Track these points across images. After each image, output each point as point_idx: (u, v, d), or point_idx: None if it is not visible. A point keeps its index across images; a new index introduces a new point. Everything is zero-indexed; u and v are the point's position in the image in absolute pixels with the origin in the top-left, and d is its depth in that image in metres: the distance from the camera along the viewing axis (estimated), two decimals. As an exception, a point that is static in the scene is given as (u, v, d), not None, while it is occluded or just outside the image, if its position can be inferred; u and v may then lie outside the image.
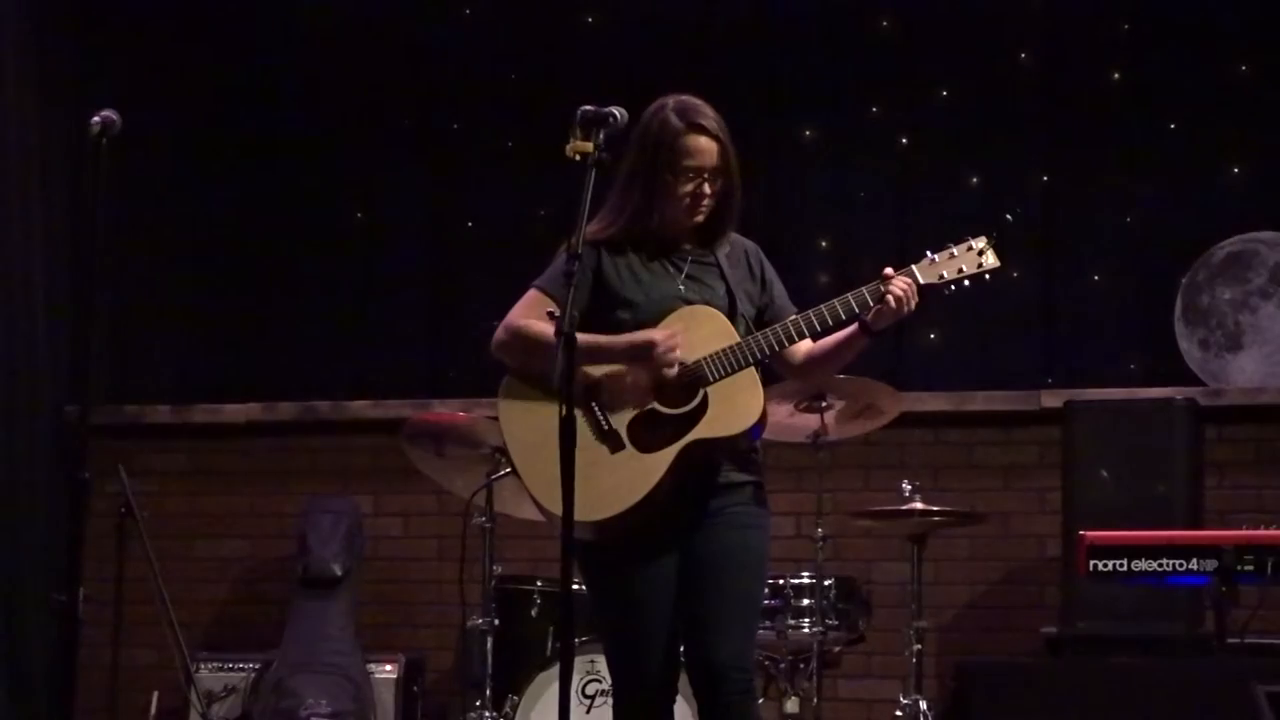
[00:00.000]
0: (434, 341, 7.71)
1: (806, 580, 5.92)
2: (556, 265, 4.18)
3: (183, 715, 6.98)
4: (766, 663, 5.99)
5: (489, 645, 5.82)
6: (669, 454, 4.10)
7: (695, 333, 4.17)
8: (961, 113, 7.34)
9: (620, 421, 4.13)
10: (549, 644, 5.95)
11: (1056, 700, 5.10)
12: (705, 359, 4.14)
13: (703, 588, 4.13)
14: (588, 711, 5.69)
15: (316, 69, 7.80)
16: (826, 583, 5.91)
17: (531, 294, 4.24)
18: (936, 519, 6.01)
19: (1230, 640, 5.35)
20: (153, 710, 7.20)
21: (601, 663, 5.31)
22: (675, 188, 4.18)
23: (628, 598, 4.15)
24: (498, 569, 5.95)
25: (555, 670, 5.46)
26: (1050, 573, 6.76)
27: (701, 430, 4.12)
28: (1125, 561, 5.28)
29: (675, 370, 4.11)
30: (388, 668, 7.01)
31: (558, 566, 3.84)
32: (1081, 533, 5.43)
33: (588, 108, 3.97)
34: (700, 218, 4.23)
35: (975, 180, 7.35)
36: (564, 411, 3.78)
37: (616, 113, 3.99)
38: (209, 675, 6.99)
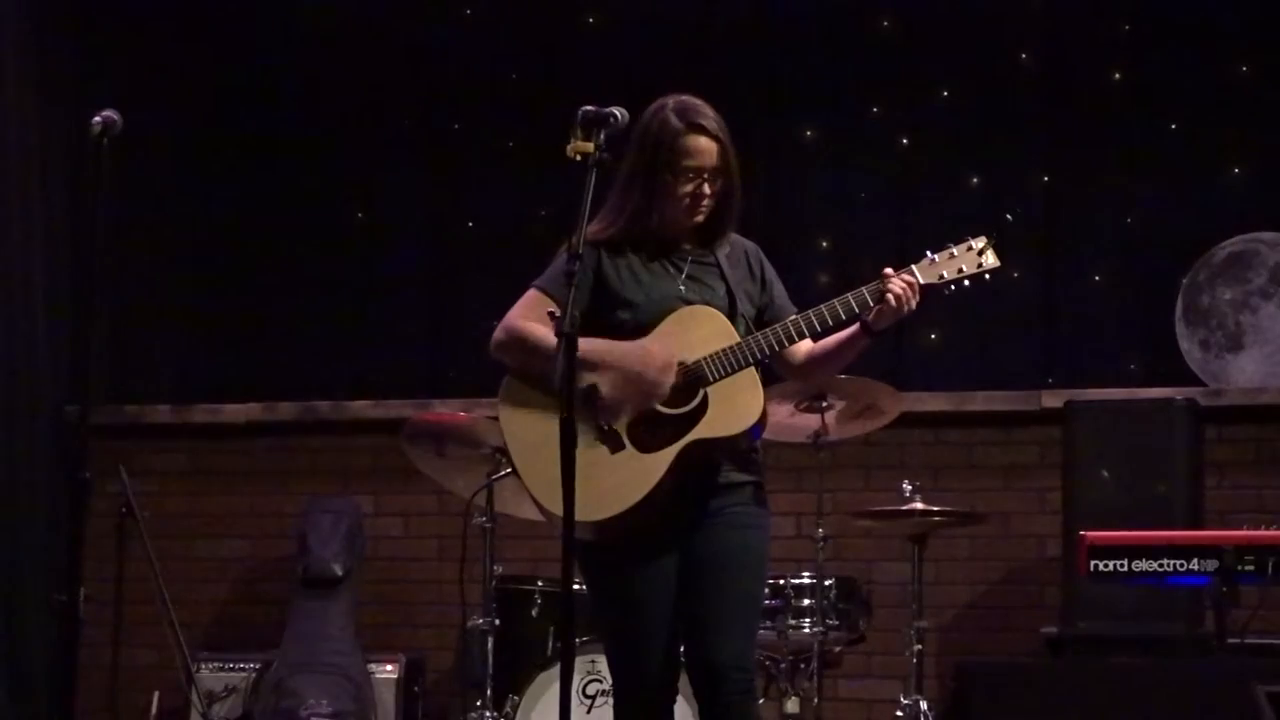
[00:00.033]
0: (434, 341, 7.71)
1: (807, 580, 5.92)
2: (556, 265, 4.18)
3: (183, 715, 6.99)
4: (767, 663, 5.98)
5: (489, 645, 5.82)
6: (669, 454, 4.10)
7: (695, 333, 4.16)
8: (962, 113, 7.34)
9: (620, 422, 4.13)
10: (549, 644, 5.95)
11: (1057, 700, 5.09)
12: (705, 359, 4.14)
13: (703, 588, 4.13)
14: (588, 711, 5.69)
15: (316, 69, 7.80)
16: (827, 583, 5.91)
17: (531, 294, 4.24)
18: (937, 519, 6.01)
19: (1230, 640, 5.36)
20: (153, 710, 7.20)
21: (602, 663, 5.31)
22: (675, 188, 4.18)
23: (628, 598, 4.15)
24: (498, 569, 5.95)
25: (556, 670, 5.48)
26: (1050, 573, 6.76)
27: (701, 430, 4.12)
28: (1126, 562, 5.28)
29: (665, 393, 4.11)
30: (388, 668, 7.01)
31: (558, 566, 3.84)
32: (1082, 533, 5.44)
33: (588, 108, 3.97)
34: (700, 218, 4.23)
35: (976, 180, 7.35)
36: (565, 412, 3.78)
37: (617, 113, 3.99)
38: (209, 675, 6.99)
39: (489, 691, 5.79)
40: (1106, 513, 6.13)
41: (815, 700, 5.94)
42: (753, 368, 4.17)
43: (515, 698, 5.71)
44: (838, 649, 6.07)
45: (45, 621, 7.03)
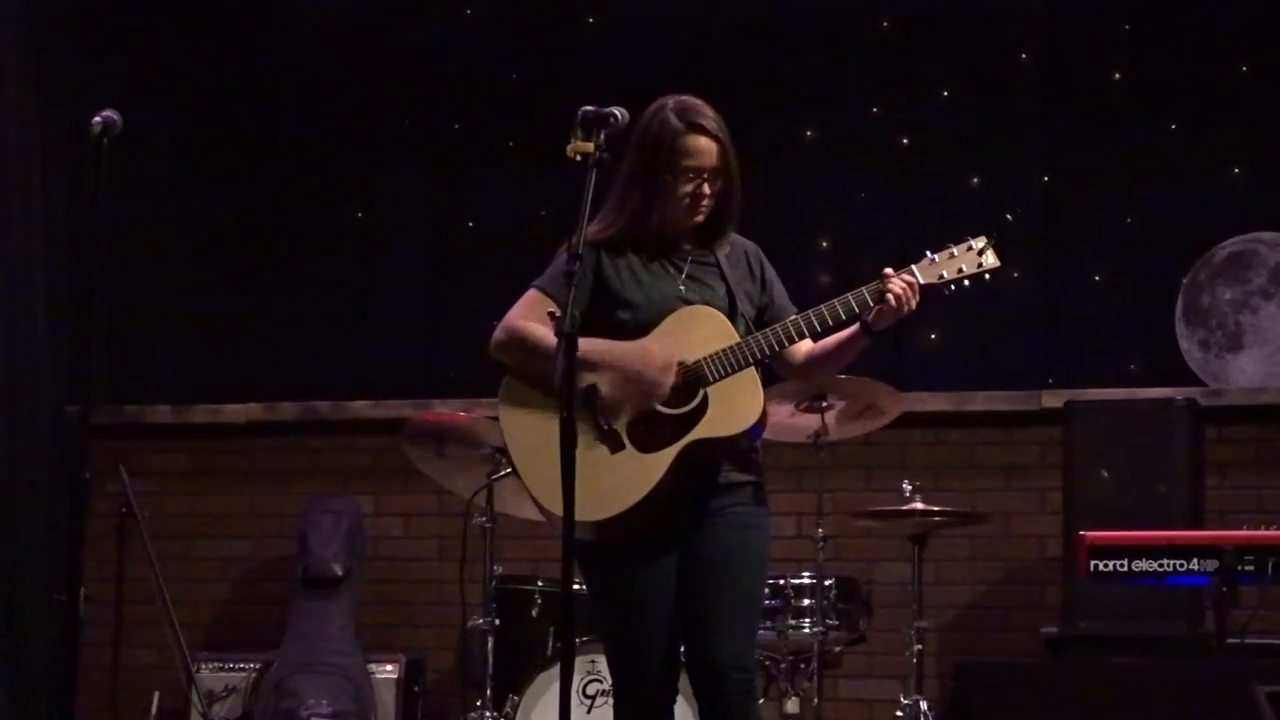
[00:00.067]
0: (434, 341, 7.71)
1: (807, 580, 5.92)
2: (556, 265, 4.18)
3: (184, 715, 6.99)
4: (767, 663, 5.98)
5: (489, 645, 5.82)
6: (669, 454, 4.10)
7: (695, 333, 4.16)
8: (962, 113, 7.34)
9: (620, 422, 4.13)
10: (549, 644, 5.95)
11: (1057, 700, 5.09)
12: (705, 359, 4.14)
13: (703, 588, 4.13)
14: (588, 711, 5.69)
15: (316, 69, 7.80)
16: (827, 583, 5.91)
17: (531, 294, 4.24)
18: (937, 519, 6.01)
19: (1231, 640, 5.36)
20: (154, 710, 7.20)
21: (602, 663, 5.31)
22: (675, 188, 4.18)
23: (628, 598, 4.15)
24: (498, 569, 5.95)
25: (556, 670, 5.48)
26: (1051, 573, 6.76)
27: (701, 430, 4.12)
28: (1126, 562, 5.28)
29: (665, 393, 4.10)
30: (388, 668, 7.01)
31: (558, 566, 3.84)
32: (1082, 533, 5.44)
33: (588, 108, 3.97)
34: (700, 218, 4.23)
35: (976, 180, 7.35)
36: (565, 412, 3.78)
37: (617, 113, 3.99)
38: (210, 675, 6.99)
39: (489, 691, 5.79)
40: (1107, 513, 6.13)
41: (815, 700, 5.94)
42: (753, 368, 4.17)
43: (515, 698, 5.71)
44: (838, 649, 6.07)
45: (46, 621, 7.03)
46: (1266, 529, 5.33)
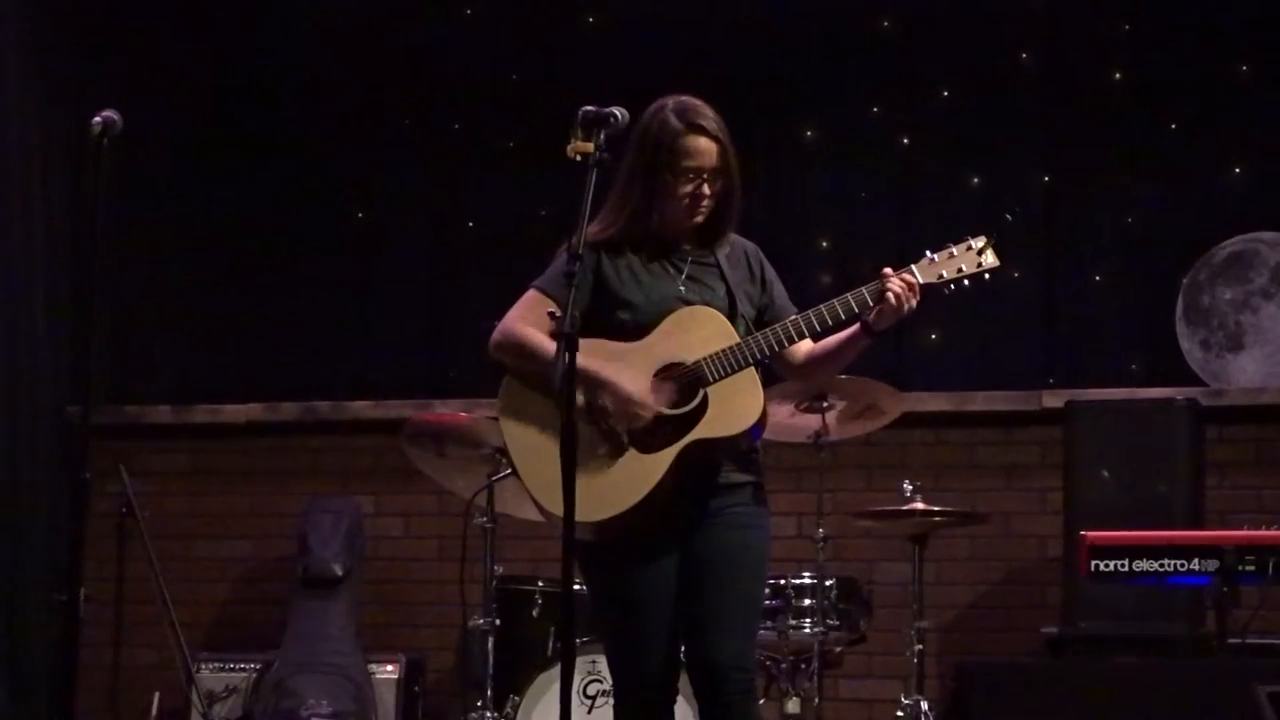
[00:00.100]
0: (434, 341, 7.71)
1: (808, 580, 5.92)
2: (556, 266, 4.18)
3: (184, 715, 6.99)
4: (768, 663, 5.98)
5: (490, 645, 5.82)
6: (669, 454, 4.10)
7: (695, 333, 4.16)
8: (962, 113, 7.34)
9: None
10: (550, 644, 5.95)
11: (1057, 701, 5.09)
12: (705, 359, 4.13)
13: (703, 588, 4.13)
14: (589, 712, 5.69)
15: (316, 69, 7.80)
16: (828, 583, 5.91)
17: (531, 295, 4.24)
18: (937, 519, 6.01)
19: (1231, 640, 5.35)
20: (154, 710, 7.20)
21: (603, 663, 5.31)
22: (675, 188, 4.18)
23: (628, 598, 4.15)
24: (498, 569, 5.95)
25: (556, 670, 5.49)
26: (1051, 573, 6.76)
27: (701, 431, 4.11)
28: (1126, 562, 5.28)
29: (638, 424, 4.10)
30: (389, 668, 7.01)
31: (559, 567, 3.84)
32: (1083, 533, 5.43)
33: (589, 108, 3.97)
34: (700, 218, 4.23)
35: (976, 180, 7.34)
36: (565, 413, 3.77)
37: (617, 113, 3.99)
38: (210, 675, 6.99)
39: (489, 692, 5.79)
40: (1107, 513, 6.13)
41: (816, 700, 5.94)
42: (753, 368, 4.17)
43: (516, 698, 5.71)
44: (838, 649, 6.07)
45: (46, 621, 7.03)
46: (1267, 529, 5.32)
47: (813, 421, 5.88)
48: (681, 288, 4.23)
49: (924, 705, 5.89)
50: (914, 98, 7.42)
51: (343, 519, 7.19)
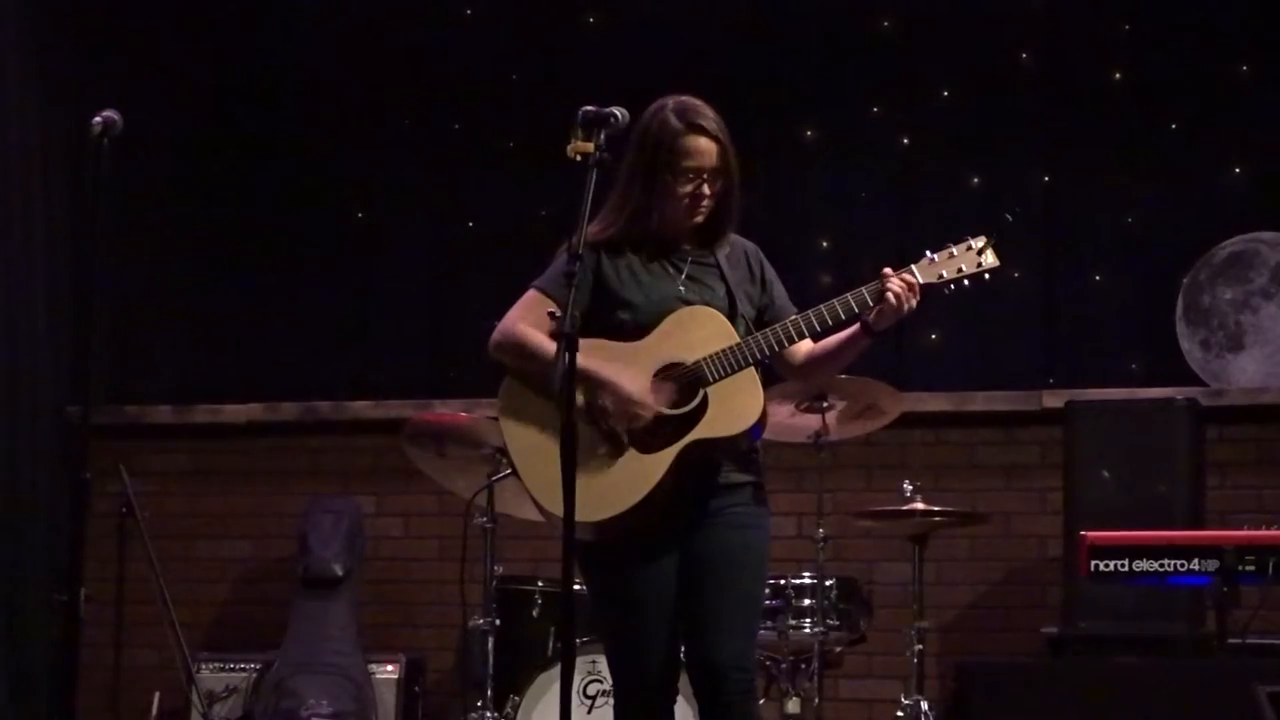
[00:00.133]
0: (435, 341, 7.71)
1: (808, 580, 5.92)
2: (556, 266, 4.18)
3: (184, 715, 6.99)
4: (768, 663, 5.98)
5: (490, 645, 5.82)
6: (669, 454, 4.10)
7: (695, 333, 4.16)
8: (962, 113, 7.34)
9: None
10: (550, 644, 5.95)
11: (1057, 701, 5.09)
12: (705, 359, 4.13)
13: (703, 588, 4.13)
14: (589, 712, 5.69)
15: (316, 69, 7.80)
16: (828, 583, 5.91)
17: (530, 295, 4.24)
18: (938, 519, 6.01)
19: (1231, 640, 5.35)
20: (154, 710, 7.20)
21: (603, 663, 5.31)
22: (675, 188, 4.18)
23: (628, 598, 4.15)
24: (499, 569, 5.95)
25: (556, 670, 5.49)
26: (1051, 573, 6.76)
27: (701, 431, 4.11)
28: (1126, 562, 5.28)
29: (638, 424, 4.10)
30: (389, 668, 7.01)
31: (559, 567, 3.84)
32: (1083, 533, 5.43)
33: (589, 108, 3.97)
34: (700, 218, 4.23)
35: (976, 180, 7.35)
36: (565, 414, 3.77)
37: (618, 113, 3.99)
38: (210, 675, 6.99)
39: (489, 692, 5.79)
40: (1107, 513, 6.13)
41: (816, 700, 5.94)
42: (752, 368, 4.17)
43: (516, 698, 5.71)
44: (838, 649, 6.07)
45: (46, 621, 7.03)
46: (1267, 529, 5.32)
47: (813, 421, 5.88)
48: (681, 288, 4.23)
49: (924, 705, 5.89)
50: (914, 98, 7.42)
51: (343, 519, 7.19)
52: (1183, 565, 5.23)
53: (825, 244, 7.43)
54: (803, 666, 5.96)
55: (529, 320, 4.18)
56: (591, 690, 5.70)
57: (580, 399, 4.00)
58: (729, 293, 4.24)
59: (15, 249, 7.24)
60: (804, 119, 7.47)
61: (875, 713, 6.81)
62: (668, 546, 4.15)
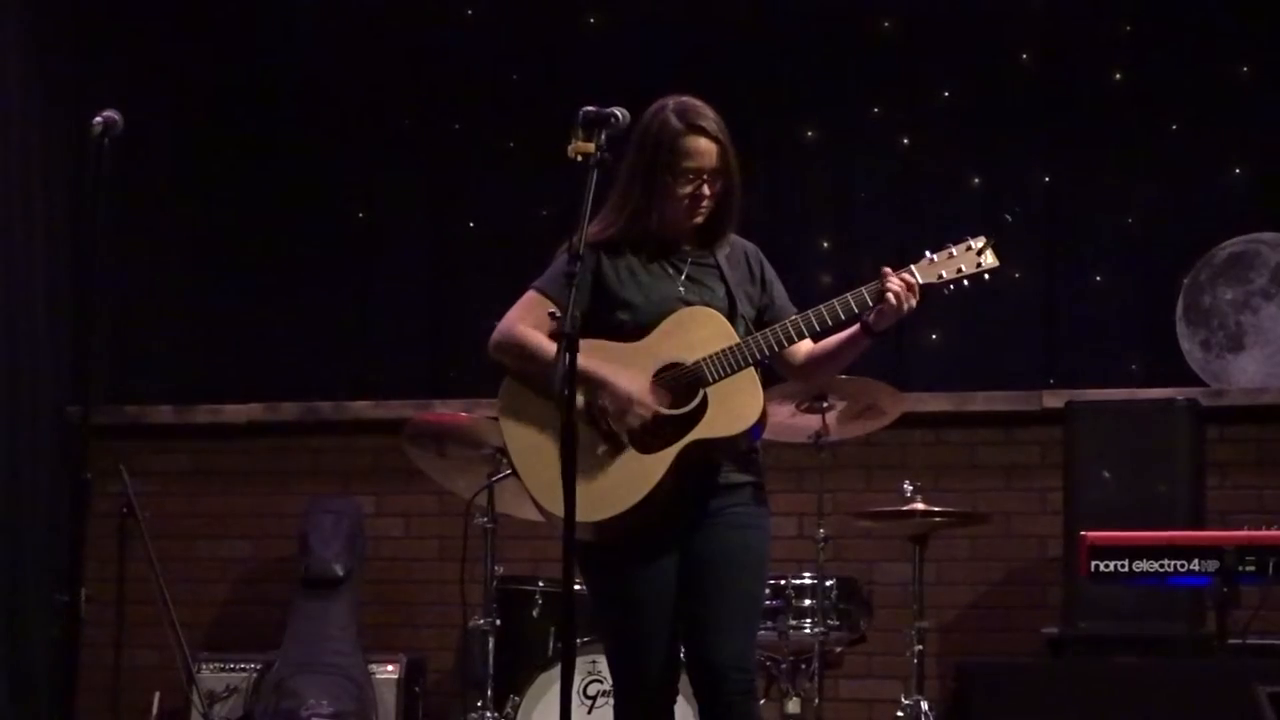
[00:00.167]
0: (435, 341, 7.71)
1: (808, 581, 5.92)
2: (556, 266, 4.18)
3: (184, 715, 6.99)
4: (768, 663, 5.98)
5: (490, 645, 5.82)
6: (669, 455, 4.10)
7: (695, 334, 4.16)
8: (962, 113, 7.34)
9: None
10: (550, 644, 5.95)
11: (1058, 701, 5.08)
12: (704, 360, 4.13)
13: (703, 588, 4.13)
14: (589, 712, 5.69)
15: (316, 69, 7.80)
16: (828, 583, 5.91)
17: (530, 296, 4.24)
18: (938, 519, 6.01)
19: (1232, 641, 5.35)
20: (154, 710, 7.20)
21: (603, 663, 5.31)
22: (674, 189, 4.17)
23: (628, 598, 4.15)
24: (499, 569, 5.95)
25: (556, 670, 5.49)
26: (1051, 573, 6.76)
27: (701, 431, 4.11)
28: (1127, 562, 5.27)
29: (637, 424, 4.10)
30: (389, 668, 7.01)
31: (559, 567, 3.84)
32: (1083, 533, 5.43)
33: (589, 108, 3.97)
34: (700, 219, 4.23)
35: (976, 180, 7.35)
36: (565, 414, 3.77)
37: (618, 113, 3.99)
38: (210, 675, 6.99)
39: (490, 692, 5.79)
40: (1107, 513, 6.13)
41: (816, 701, 5.94)
42: (752, 368, 4.17)
43: (516, 698, 5.71)
44: (839, 649, 6.07)
45: (46, 621, 7.03)
46: (1267, 529, 5.32)
47: (813, 422, 5.88)
48: (681, 288, 4.23)
49: (924, 705, 5.89)
50: (914, 98, 7.42)
51: (343, 519, 7.19)
52: (1183, 565, 5.22)
53: (825, 244, 7.43)
54: (803, 667, 5.96)
55: (529, 321, 4.18)
56: (592, 690, 5.70)
57: (580, 399, 4.00)
58: (729, 293, 4.24)
59: (15, 249, 7.24)
60: (804, 119, 7.47)
61: (875, 713, 6.81)
62: (668, 546, 4.15)
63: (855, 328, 4.22)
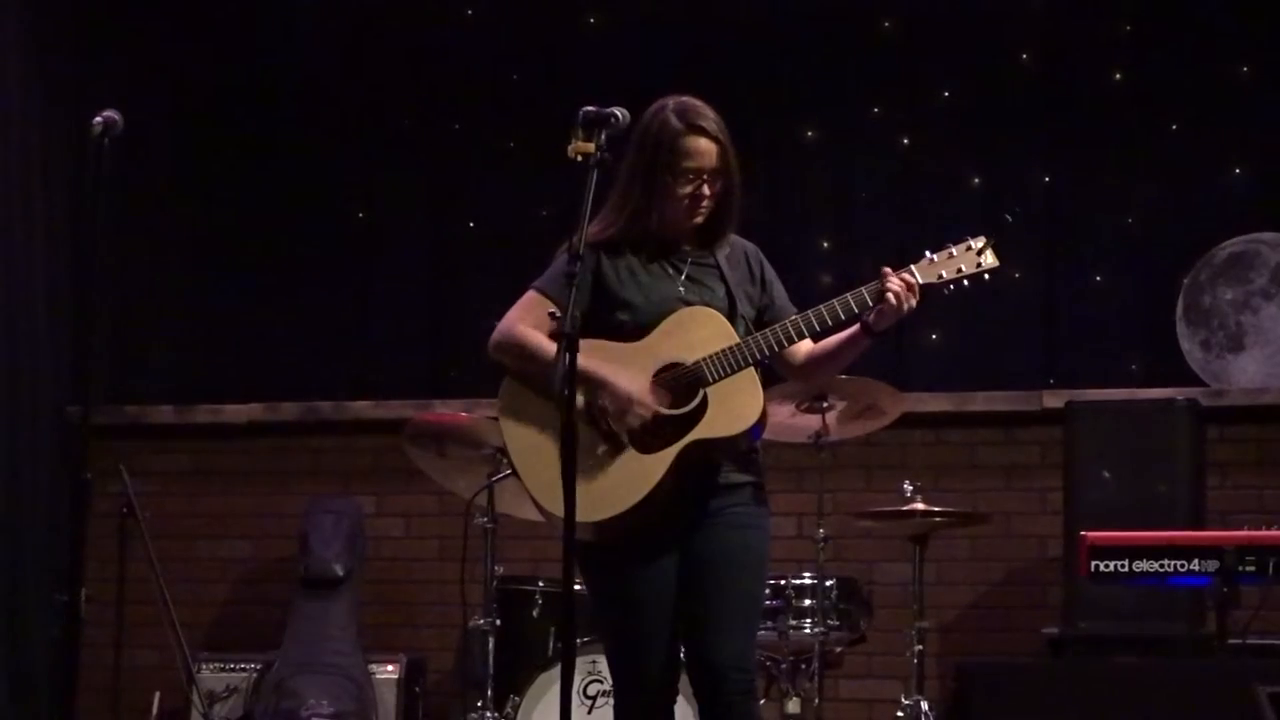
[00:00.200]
0: (435, 341, 7.71)
1: (808, 581, 5.92)
2: (555, 266, 4.18)
3: (184, 715, 6.99)
4: (768, 663, 5.98)
5: (490, 645, 5.82)
6: (668, 455, 4.10)
7: (695, 334, 4.16)
8: (962, 113, 7.34)
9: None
10: (550, 644, 5.95)
11: (1058, 701, 5.08)
12: (704, 360, 4.13)
13: (703, 588, 4.13)
14: (589, 712, 5.69)
15: (316, 69, 7.80)
16: (828, 583, 5.91)
17: (530, 296, 4.24)
18: (938, 519, 6.01)
19: (1232, 641, 5.35)
20: (154, 710, 7.20)
21: (603, 663, 5.31)
22: (674, 189, 4.17)
23: (628, 598, 4.15)
24: (499, 569, 5.95)
25: (557, 671, 5.49)
26: (1052, 573, 6.76)
27: (701, 431, 4.11)
28: (1127, 562, 5.27)
29: (637, 424, 4.10)
30: (389, 668, 7.01)
31: (559, 567, 3.84)
32: (1083, 533, 5.43)
33: (589, 108, 3.97)
34: (700, 219, 4.23)
35: (976, 181, 7.35)
36: (565, 414, 3.77)
37: (618, 113, 3.99)
38: (210, 675, 6.99)
39: (490, 692, 5.79)
40: (1108, 513, 6.13)
41: (816, 701, 5.94)
42: (752, 368, 4.17)
43: (516, 698, 5.71)
44: (839, 649, 6.07)
45: (46, 621, 7.03)
46: (1267, 529, 5.32)
47: (813, 422, 5.88)
48: (681, 288, 4.23)
49: (924, 705, 5.89)
50: (914, 98, 7.42)
51: (344, 519, 7.19)
52: (1183, 565, 5.22)
53: (825, 244, 7.43)
54: (803, 667, 5.96)
55: (529, 321, 4.18)
56: (592, 690, 5.70)
57: (580, 399, 4.00)
58: (729, 293, 4.24)
59: (15, 249, 7.24)
60: (804, 119, 7.47)
61: (875, 713, 6.81)
62: (668, 546, 4.15)
63: (855, 328, 4.22)
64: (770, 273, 4.36)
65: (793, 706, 5.95)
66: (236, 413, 7.56)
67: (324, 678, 6.81)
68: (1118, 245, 7.24)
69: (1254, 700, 4.52)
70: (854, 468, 6.87)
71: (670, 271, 4.24)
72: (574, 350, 3.82)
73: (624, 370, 4.11)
